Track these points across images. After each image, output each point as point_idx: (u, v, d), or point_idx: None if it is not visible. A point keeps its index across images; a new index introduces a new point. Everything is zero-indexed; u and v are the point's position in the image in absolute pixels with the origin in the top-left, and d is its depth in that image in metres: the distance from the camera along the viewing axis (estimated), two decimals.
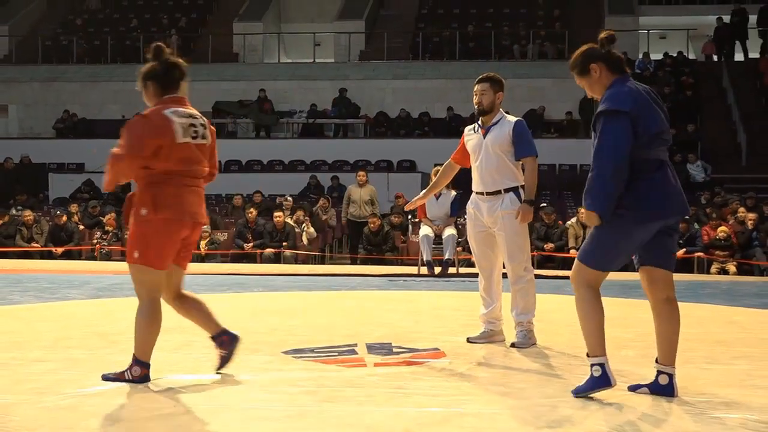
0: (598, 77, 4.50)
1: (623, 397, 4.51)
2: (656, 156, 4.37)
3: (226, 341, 5.12)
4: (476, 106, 6.37)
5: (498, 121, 6.34)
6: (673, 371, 4.51)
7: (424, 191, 7.00)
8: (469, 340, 6.36)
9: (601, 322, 4.39)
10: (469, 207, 6.47)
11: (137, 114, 4.90)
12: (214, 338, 5.14)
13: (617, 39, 4.54)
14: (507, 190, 6.26)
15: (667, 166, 4.42)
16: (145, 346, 4.82)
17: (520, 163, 6.33)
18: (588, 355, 4.43)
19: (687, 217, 4.45)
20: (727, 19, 26.52)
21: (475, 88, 6.38)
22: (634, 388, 4.58)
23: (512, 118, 6.38)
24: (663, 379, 4.50)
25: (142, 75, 4.99)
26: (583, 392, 4.44)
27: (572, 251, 16.00)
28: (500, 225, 6.23)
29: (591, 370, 4.41)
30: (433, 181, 6.96)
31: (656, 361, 4.52)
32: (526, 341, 6.21)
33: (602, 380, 4.38)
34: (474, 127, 6.47)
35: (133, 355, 4.84)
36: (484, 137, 6.32)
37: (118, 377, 4.85)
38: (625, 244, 4.39)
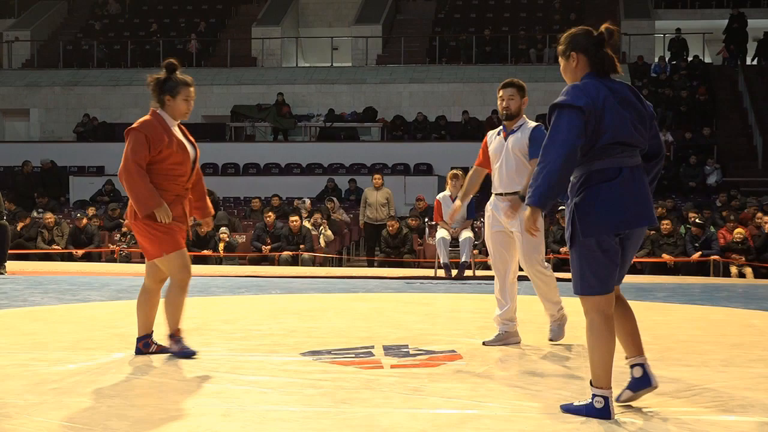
0: (574, 67, 4.21)
1: (645, 400, 4.49)
2: (616, 164, 4.06)
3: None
4: (504, 111, 6.50)
5: (521, 125, 6.49)
6: (643, 360, 4.24)
7: (457, 201, 7.02)
8: (485, 344, 6.37)
9: (610, 353, 4.10)
10: (488, 208, 6.58)
11: None
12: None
13: (616, 36, 4.21)
14: None
15: (628, 173, 4.08)
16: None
17: None
18: (591, 384, 4.14)
19: (652, 227, 4.12)
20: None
21: (501, 93, 6.51)
22: (617, 398, 4.30)
23: (533, 123, 6.54)
24: (637, 372, 4.24)
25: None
26: (574, 413, 4.17)
27: None
28: (517, 225, 6.29)
29: (593, 399, 4.12)
30: (464, 188, 6.98)
31: (625, 358, 4.30)
32: (560, 333, 6.45)
33: (603, 413, 4.08)
34: (497, 130, 6.62)
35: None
36: (506, 140, 6.47)
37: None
38: (609, 256, 4.11)
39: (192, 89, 5.72)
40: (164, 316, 5.71)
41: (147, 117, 5.67)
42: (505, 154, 6.43)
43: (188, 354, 5.66)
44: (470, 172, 6.91)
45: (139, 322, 5.80)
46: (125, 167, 5.55)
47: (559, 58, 4.31)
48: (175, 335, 5.73)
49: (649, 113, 4.22)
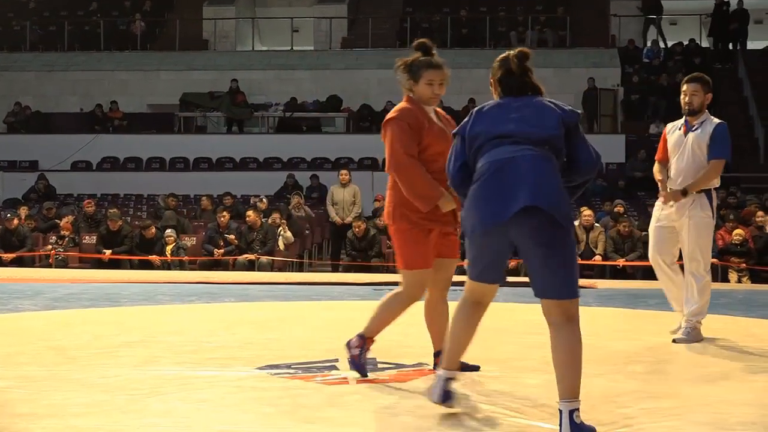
0: (495, 93, 4.82)
1: (636, 418, 4.51)
2: (487, 159, 4.44)
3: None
4: (686, 107, 7.05)
5: (702, 122, 7.01)
6: (568, 406, 4.15)
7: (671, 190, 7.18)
8: (674, 342, 6.94)
9: (461, 342, 4.65)
10: (658, 203, 7.17)
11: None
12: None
13: (531, 57, 4.76)
14: (699, 192, 6.93)
15: (501, 166, 4.37)
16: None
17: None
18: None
19: (499, 224, 4.24)
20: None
21: (684, 88, 7.08)
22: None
23: (716, 121, 7.03)
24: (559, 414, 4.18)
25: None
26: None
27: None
28: (687, 225, 6.89)
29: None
30: (660, 179, 7.28)
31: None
32: (689, 338, 6.91)
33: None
34: (678, 124, 7.15)
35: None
36: (686, 136, 7.01)
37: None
38: (476, 252, 4.52)
39: (441, 72, 5.60)
40: (372, 317, 5.79)
41: (403, 103, 5.60)
42: (685, 150, 6.97)
43: (358, 367, 5.60)
44: (656, 168, 7.32)
45: (433, 338, 5.82)
46: (396, 161, 5.45)
47: None
48: (364, 340, 5.71)
49: (565, 115, 4.49)
